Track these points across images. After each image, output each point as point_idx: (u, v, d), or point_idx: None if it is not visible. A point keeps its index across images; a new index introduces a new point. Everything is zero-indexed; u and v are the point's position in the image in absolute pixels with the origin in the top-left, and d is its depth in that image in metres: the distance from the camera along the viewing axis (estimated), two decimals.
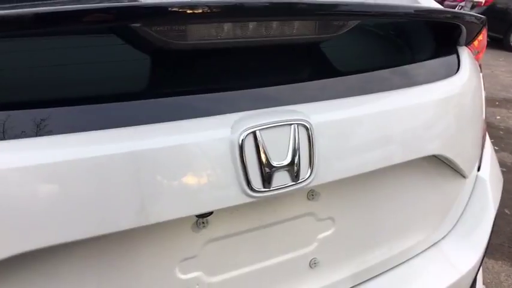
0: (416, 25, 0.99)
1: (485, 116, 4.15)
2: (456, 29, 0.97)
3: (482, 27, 1.04)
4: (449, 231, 1.05)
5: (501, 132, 4.11)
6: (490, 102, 5.05)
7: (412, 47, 0.99)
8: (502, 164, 3.40)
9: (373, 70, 0.81)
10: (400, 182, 0.91)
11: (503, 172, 3.60)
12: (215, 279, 0.73)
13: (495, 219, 2.58)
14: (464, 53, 1.01)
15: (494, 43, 9.08)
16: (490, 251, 2.31)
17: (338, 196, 0.81)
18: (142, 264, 0.65)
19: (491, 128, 4.20)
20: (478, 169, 1.10)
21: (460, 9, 9.80)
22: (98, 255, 0.61)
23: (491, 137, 4.06)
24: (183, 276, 0.70)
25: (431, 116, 0.84)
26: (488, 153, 1.21)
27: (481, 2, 8.81)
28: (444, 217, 1.03)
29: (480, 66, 1.31)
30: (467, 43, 1.03)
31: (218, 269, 0.73)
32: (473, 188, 1.08)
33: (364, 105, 0.75)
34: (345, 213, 0.84)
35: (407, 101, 0.81)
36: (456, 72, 0.94)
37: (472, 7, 9.05)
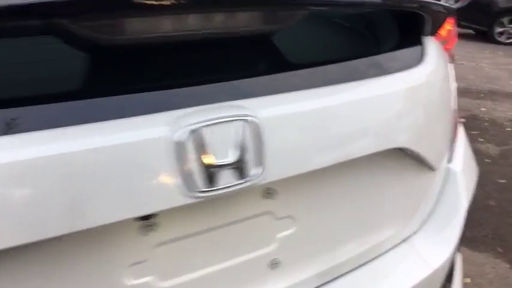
0: (378, 14, 0.96)
1: (471, 109, 4.17)
2: (420, 19, 0.95)
3: (448, 16, 1.02)
4: (421, 226, 1.03)
5: (486, 123, 4.12)
6: (475, 94, 5.07)
7: (374, 37, 0.97)
8: (487, 155, 3.41)
9: (329, 62, 0.78)
10: (364, 176, 0.88)
11: (487, 163, 3.61)
12: (168, 283, 0.70)
13: (479, 211, 2.56)
14: (430, 43, 0.99)
15: (480, 36, 9.14)
16: (475, 244, 2.31)
17: (298, 193, 0.79)
18: (85, 272, 0.62)
19: (476, 120, 4.21)
20: (450, 161, 1.08)
21: (446, 1, 9.85)
22: (29, 266, 0.57)
23: (476, 129, 4.10)
24: (134, 282, 0.67)
25: (393, 107, 0.82)
26: (461, 144, 1.19)
27: None
28: (414, 211, 1.00)
29: (452, 56, 1.29)
30: (434, 33, 1.01)
31: (171, 273, 0.70)
32: (444, 180, 1.06)
33: (319, 98, 0.72)
34: (307, 211, 0.81)
35: (367, 92, 0.78)
36: (420, 62, 0.92)
37: (457, 0, 9.10)
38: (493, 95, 5.08)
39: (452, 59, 1.26)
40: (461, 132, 1.26)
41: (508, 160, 3.34)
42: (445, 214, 1.03)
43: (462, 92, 5.11)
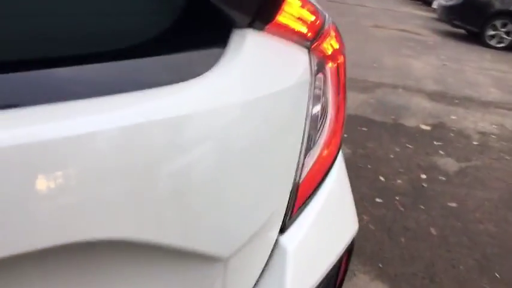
0: None
1: (440, 115, 3.72)
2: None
3: None
4: None
5: (452, 134, 3.76)
6: (449, 99, 4.70)
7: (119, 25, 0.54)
8: (443, 172, 3.05)
9: None
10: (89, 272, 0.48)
11: (441, 182, 3.22)
12: None
13: (417, 241, 2.14)
14: (246, 40, 0.58)
15: (471, 37, 8.72)
16: (398, 283, 1.96)
17: None
18: None
19: (443, 129, 3.84)
20: (283, 231, 0.69)
21: None
22: None
23: (440, 139, 3.70)
24: None
25: (112, 157, 0.41)
26: (323, 195, 0.79)
27: None
28: None
29: (341, 65, 0.88)
30: (259, 24, 0.60)
31: None
32: (266, 265, 0.66)
33: None
34: None
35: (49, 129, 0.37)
36: (201, 73, 0.51)
37: None
38: (467, 101, 4.71)
39: (335, 68, 0.85)
40: (337, 171, 0.85)
41: (465, 179, 2.98)
42: None
43: (436, 96, 4.73)
